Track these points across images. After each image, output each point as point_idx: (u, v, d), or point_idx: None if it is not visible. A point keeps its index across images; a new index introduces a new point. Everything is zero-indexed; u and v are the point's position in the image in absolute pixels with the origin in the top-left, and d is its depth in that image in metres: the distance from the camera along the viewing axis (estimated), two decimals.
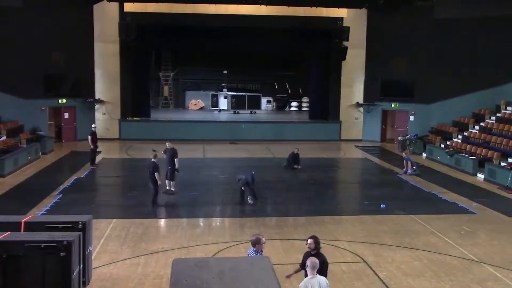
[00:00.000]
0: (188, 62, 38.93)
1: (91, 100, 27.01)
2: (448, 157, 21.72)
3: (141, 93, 29.05)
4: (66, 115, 26.71)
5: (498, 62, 23.78)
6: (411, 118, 27.33)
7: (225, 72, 40.35)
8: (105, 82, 27.39)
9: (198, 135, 27.59)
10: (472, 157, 20.47)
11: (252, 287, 5.55)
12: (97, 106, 27.37)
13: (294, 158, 20.70)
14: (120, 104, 27.69)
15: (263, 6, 26.31)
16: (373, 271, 10.12)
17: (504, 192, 17.17)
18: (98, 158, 21.34)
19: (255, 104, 38.06)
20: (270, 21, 26.93)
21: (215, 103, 38.27)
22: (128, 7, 26.31)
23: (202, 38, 28.39)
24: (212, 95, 38.85)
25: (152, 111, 31.43)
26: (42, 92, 24.94)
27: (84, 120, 26.59)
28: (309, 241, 7.70)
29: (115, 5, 26.49)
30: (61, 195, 15.60)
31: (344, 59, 28.05)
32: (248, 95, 38.48)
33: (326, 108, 29.43)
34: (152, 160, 14.79)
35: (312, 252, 7.66)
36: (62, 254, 7.82)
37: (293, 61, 37.56)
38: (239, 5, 26.28)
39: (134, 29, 26.14)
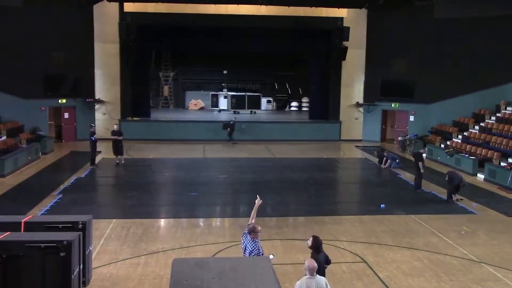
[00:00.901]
0: (188, 62, 38.94)
1: (91, 100, 27.01)
2: (448, 157, 21.72)
3: (141, 93, 29.06)
4: (66, 115, 26.71)
5: (498, 62, 23.77)
6: (411, 118, 27.33)
7: (225, 72, 40.36)
8: (105, 82, 27.39)
9: (198, 135, 27.59)
10: (472, 157, 20.47)
11: (252, 287, 5.56)
12: (97, 106, 27.37)
13: None
14: (120, 104, 27.69)
15: (263, 6, 26.32)
16: (373, 271, 10.12)
17: (504, 192, 17.17)
18: (98, 158, 21.35)
19: (255, 104, 38.07)
20: (270, 21, 26.95)
21: (215, 103, 38.28)
22: (128, 7, 26.31)
23: (202, 38, 28.40)
24: (212, 95, 38.86)
25: (152, 111, 31.43)
26: (42, 92, 24.95)
27: (84, 120, 26.61)
28: (310, 239, 7.70)
29: (115, 5, 26.49)
30: (61, 195, 15.59)
31: (344, 59, 28.05)
32: (248, 95, 38.49)
33: (326, 108, 29.43)
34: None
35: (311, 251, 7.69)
36: (62, 254, 7.82)
37: (293, 61, 37.55)
38: (239, 5, 26.28)
39: (134, 29, 26.16)
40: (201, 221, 13.46)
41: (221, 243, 11.54)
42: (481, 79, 24.30)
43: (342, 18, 27.77)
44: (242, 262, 6.41)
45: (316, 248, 7.62)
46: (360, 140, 28.67)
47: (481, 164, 19.77)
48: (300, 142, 27.53)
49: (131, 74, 27.74)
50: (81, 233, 8.58)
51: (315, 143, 27.03)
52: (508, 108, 23.18)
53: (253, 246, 7.43)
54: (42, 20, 24.39)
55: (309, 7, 26.70)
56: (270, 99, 39.99)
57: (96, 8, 26.64)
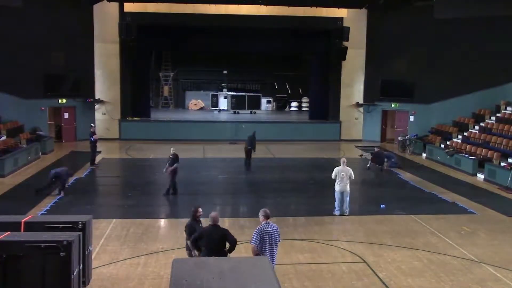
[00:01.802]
0: (188, 62, 38.96)
1: (91, 100, 27.02)
2: (448, 157, 21.72)
3: (141, 93, 29.08)
4: (66, 115, 26.71)
5: (498, 62, 23.78)
6: (411, 118, 27.34)
7: (225, 72, 40.38)
8: (105, 82, 27.40)
9: (198, 135, 27.59)
10: (472, 157, 20.47)
11: (252, 287, 5.55)
12: (97, 106, 27.38)
13: None
14: (120, 104, 27.69)
15: (263, 6, 26.34)
16: (373, 271, 10.12)
17: (504, 192, 17.17)
18: (98, 158, 21.34)
19: (255, 104, 38.07)
20: (270, 21, 26.96)
21: (215, 103, 38.28)
22: (128, 7, 26.32)
23: (202, 38, 28.42)
24: (212, 95, 38.86)
25: (152, 111, 31.45)
26: (42, 92, 24.95)
27: (84, 120, 26.63)
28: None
29: (115, 5, 26.50)
30: (61, 195, 15.59)
31: (344, 59, 28.06)
32: (248, 95, 38.48)
33: (326, 108, 29.45)
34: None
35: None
36: (62, 254, 7.81)
37: (293, 61, 37.57)
38: (239, 5, 26.31)
39: (134, 29, 26.15)
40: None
41: None
42: (481, 79, 24.31)
43: (342, 18, 27.78)
44: (242, 262, 6.41)
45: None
46: (360, 140, 28.68)
47: (481, 164, 19.77)
48: (300, 142, 27.53)
49: (131, 74, 27.75)
50: (81, 233, 8.57)
51: (315, 143, 27.03)
52: (508, 108, 23.19)
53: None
54: (42, 20, 24.40)
55: (309, 7, 26.72)
56: (270, 99, 40.00)
57: (96, 8, 26.66)
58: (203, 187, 17.30)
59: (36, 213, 13.38)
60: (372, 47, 28.02)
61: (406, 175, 19.73)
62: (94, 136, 20.18)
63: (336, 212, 13.93)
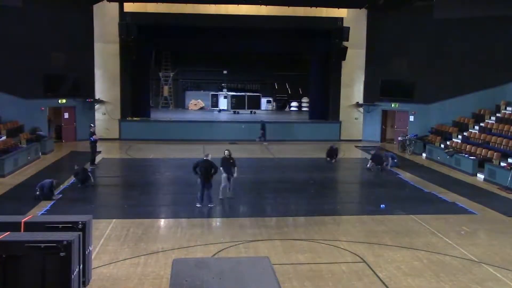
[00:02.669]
0: (188, 62, 38.98)
1: (91, 100, 27.02)
2: (448, 157, 21.72)
3: (141, 93, 29.09)
4: (66, 115, 26.71)
5: (498, 62, 23.79)
6: (411, 118, 27.33)
7: (225, 72, 40.39)
8: (105, 82, 27.40)
9: (198, 135, 27.59)
10: (472, 157, 20.48)
11: (252, 287, 5.56)
12: (97, 106, 27.38)
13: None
14: (120, 104, 27.70)
15: (263, 6, 26.34)
16: (373, 271, 10.12)
17: (504, 192, 17.17)
18: (98, 158, 21.35)
19: (255, 104, 38.09)
20: (270, 21, 26.96)
21: (215, 103, 38.29)
22: (128, 7, 26.32)
23: (202, 38, 28.42)
24: (212, 95, 38.87)
25: (152, 111, 31.46)
26: (42, 92, 24.95)
27: (84, 120, 26.64)
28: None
29: (115, 5, 26.50)
30: (61, 195, 15.60)
31: (344, 59, 28.06)
32: (248, 95, 38.51)
33: (326, 108, 29.45)
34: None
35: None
36: (62, 254, 7.81)
37: (293, 61, 37.59)
38: (239, 5, 26.30)
39: (134, 29, 26.15)
40: (201, 221, 13.46)
41: (221, 243, 11.53)
42: (481, 79, 24.31)
43: (342, 18, 27.78)
44: (242, 262, 6.41)
45: None
46: (360, 140, 28.69)
47: (481, 164, 19.77)
48: (300, 142, 27.54)
49: (131, 74, 27.75)
50: (81, 233, 8.57)
51: (315, 143, 27.02)
52: (508, 108, 23.19)
53: None
54: (42, 20, 24.41)
55: (309, 7, 26.72)
56: (270, 99, 40.01)
57: (96, 8, 26.66)
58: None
59: (36, 213, 13.38)
60: (372, 47, 28.02)
61: (406, 175, 19.73)
62: (94, 136, 20.19)
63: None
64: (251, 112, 35.81)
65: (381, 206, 14.86)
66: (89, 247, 9.25)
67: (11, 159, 18.88)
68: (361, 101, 28.92)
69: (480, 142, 21.86)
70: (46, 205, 14.42)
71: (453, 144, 22.89)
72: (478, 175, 19.56)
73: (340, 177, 20.88)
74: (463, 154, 21.21)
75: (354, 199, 17.04)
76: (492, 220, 13.95)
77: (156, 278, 9.59)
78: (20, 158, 19.72)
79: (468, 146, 21.81)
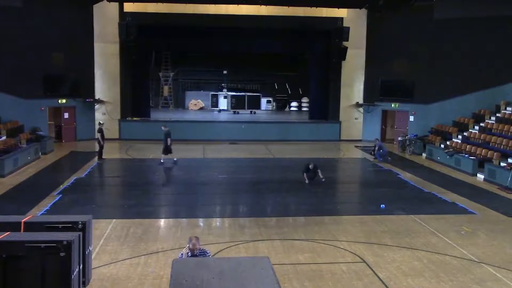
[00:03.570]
0: (188, 62, 38.95)
1: (91, 100, 27.02)
2: (448, 157, 21.73)
3: (141, 93, 29.07)
4: (66, 115, 26.72)
5: (498, 62, 23.79)
6: (411, 118, 27.34)
7: (225, 72, 40.37)
8: (105, 82, 27.39)
9: (198, 135, 27.60)
10: (472, 157, 20.48)
11: (252, 287, 5.55)
12: (97, 106, 27.38)
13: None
14: (120, 104, 27.70)
15: (263, 6, 26.33)
16: (373, 271, 10.12)
17: (504, 192, 17.18)
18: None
19: (255, 104, 38.08)
20: (270, 21, 26.97)
21: (215, 103, 38.28)
22: (128, 7, 26.32)
23: (202, 38, 28.40)
24: (212, 95, 38.86)
25: (152, 111, 31.44)
26: (42, 92, 24.95)
27: (84, 120, 26.63)
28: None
29: (115, 5, 26.50)
30: (61, 195, 15.60)
31: (344, 59, 28.06)
32: (248, 95, 38.50)
33: (326, 108, 29.44)
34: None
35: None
36: (62, 254, 7.81)
37: (293, 61, 37.58)
38: (239, 5, 26.29)
39: (134, 29, 26.14)
40: (201, 221, 13.47)
41: (221, 243, 11.54)
42: (481, 79, 24.31)
43: (342, 18, 27.78)
44: (242, 262, 6.41)
45: None
46: (360, 140, 28.68)
47: (481, 164, 19.78)
48: (300, 142, 27.54)
49: (131, 74, 27.76)
50: (81, 233, 8.57)
51: (315, 143, 27.02)
52: (508, 108, 23.19)
53: None
54: (42, 20, 24.39)
55: (309, 7, 26.72)
56: (270, 99, 40.00)
57: (96, 8, 26.65)
58: (203, 187, 17.30)
59: (36, 213, 13.38)
60: (372, 47, 28.02)
61: (406, 175, 19.73)
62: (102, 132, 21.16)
63: None
64: (251, 112, 35.81)
65: (381, 206, 14.86)
66: (89, 247, 9.25)
67: (11, 159, 18.88)
68: (361, 101, 28.93)
69: (480, 142, 21.86)
70: (46, 205, 14.42)
71: (453, 144, 22.89)
72: (478, 175, 19.56)
73: (340, 177, 20.88)
74: (463, 154, 21.21)
75: (354, 199, 17.04)
76: (492, 220, 13.96)
77: (156, 278, 9.59)
78: (20, 158, 19.71)
79: (468, 146, 21.81)
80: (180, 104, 40.09)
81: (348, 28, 27.19)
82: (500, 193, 17.14)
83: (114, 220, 13.14)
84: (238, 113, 35.19)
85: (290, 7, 26.48)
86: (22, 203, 14.43)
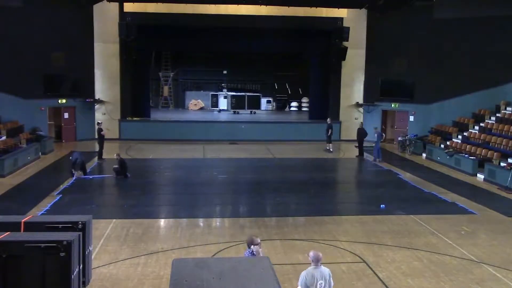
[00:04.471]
0: (188, 62, 38.94)
1: (91, 100, 27.01)
2: (448, 157, 21.72)
3: (141, 93, 29.06)
4: (66, 115, 26.71)
5: (498, 62, 23.75)
6: (411, 118, 27.33)
7: (225, 72, 40.35)
8: (105, 82, 27.38)
9: (198, 135, 27.59)
10: (472, 158, 20.47)
11: (252, 287, 5.56)
12: (97, 106, 27.37)
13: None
14: (120, 104, 27.69)
15: (263, 6, 26.32)
16: (373, 271, 10.12)
17: (504, 192, 17.17)
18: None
19: (255, 104, 38.04)
20: (270, 21, 26.95)
21: (215, 103, 38.25)
22: (128, 7, 26.31)
23: (202, 38, 28.39)
24: (212, 95, 38.82)
25: (152, 111, 31.42)
26: (42, 92, 24.94)
27: (84, 120, 26.61)
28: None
29: (115, 5, 26.49)
30: (61, 195, 15.60)
31: (344, 59, 28.04)
32: (248, 95, 38.45)
33: (326, 108, 29.42)
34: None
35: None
36: (62, 254, 7.82)
37: (293, 61, 37.54)
38: (239, 5, 26.29)
39: (134, 29, 26.13)
40: (201, 221, 13.47)
41: (221, 243, 11.54)
42: (481, 79, 24.27)
43: (342, 18, 27.77)
44: (242, 262, 6.41)
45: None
46: None
47: (481, 164, 19.77)
48: (300, 142, 27.53)
49: (131, 74, 27.74)
50: (81, 233, 8.58)
51: (315, 143, 27.01)
52: (508, 108, 23.18)
53: None
54: (42, 20, 24.38)
55: (309, 7, 26.71)
56: (270, 99, 39.96)
57: (96, 8, 26.63)
58: (203, 187, 17.30)
59: (36, 213, 13.38)
60: (372, 47, 28.01)
61: (406, 175, 19.73)
62: (102, 132, 21.11)
63: None
64: (251, 112, 35.79)
65: (381, 206, 14.86)
66: (89, 247, 9.25)
67: (11, 159, 18.88)
68: (361, 101, 28.92)
69: (480, 142, 21.85)
70: (46, 205, 14.42)
71: (453, 144, 22.88)
72: (478, 175, 19.56)
73: (340, 177, 20.89)
74: (463, 154, 21.20)
75: (354, 199, 17.04)
76: (492, 220, 13.96)
77: (156, 278, 9.59)
78: (20, 158, 19.71)
79: (468, 146, 21.80)
80: (180, 104, 40.06)
81: (348, 28, 27.18)
82: (500, 193, 17.14)
83: (114, 220, 13.14)
84: (238, 113, 35.17)
85: (290, 7, 26.47)
86: (22, 203, 14.44)
